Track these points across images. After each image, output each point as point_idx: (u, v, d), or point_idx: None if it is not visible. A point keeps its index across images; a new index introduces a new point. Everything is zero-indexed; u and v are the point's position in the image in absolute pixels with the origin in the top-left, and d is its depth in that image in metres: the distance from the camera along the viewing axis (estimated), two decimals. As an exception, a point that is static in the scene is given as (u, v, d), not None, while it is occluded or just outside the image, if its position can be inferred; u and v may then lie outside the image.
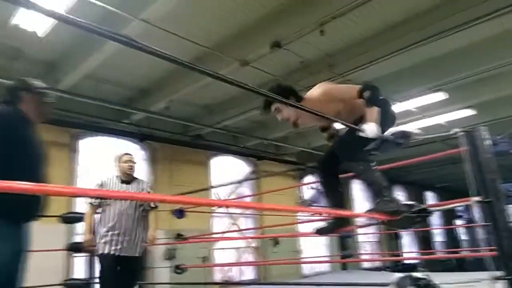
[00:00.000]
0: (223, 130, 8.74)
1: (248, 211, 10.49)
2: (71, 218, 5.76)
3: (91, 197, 3.71)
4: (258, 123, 9.45)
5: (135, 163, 3.89)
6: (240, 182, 10.10)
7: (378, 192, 2.23)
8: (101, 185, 3.73)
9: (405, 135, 2.40)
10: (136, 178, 3.90)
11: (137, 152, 8.77)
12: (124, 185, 3.75)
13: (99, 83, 6.68)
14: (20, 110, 2.24)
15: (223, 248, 9.77)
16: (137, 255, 3.65)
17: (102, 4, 4.28)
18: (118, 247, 3.55)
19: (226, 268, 9.80)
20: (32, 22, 4.55)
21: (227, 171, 10.15)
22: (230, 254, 10.01)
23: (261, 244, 10.54)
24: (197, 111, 8.42)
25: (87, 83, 6.48)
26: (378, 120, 2.31)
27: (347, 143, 2.46)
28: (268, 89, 2.47)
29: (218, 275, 9.43)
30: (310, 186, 11.73)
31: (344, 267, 12.64)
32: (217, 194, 9.58)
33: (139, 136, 8.11)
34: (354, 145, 2.39)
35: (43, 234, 6.30)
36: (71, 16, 1.07)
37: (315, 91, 2.51)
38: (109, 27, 1.35)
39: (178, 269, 6.61)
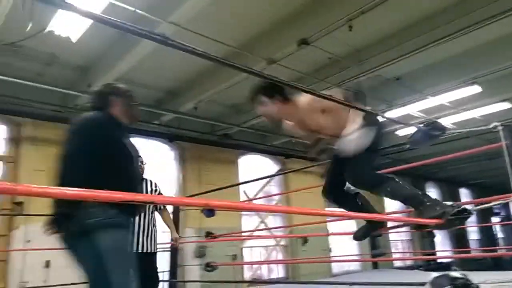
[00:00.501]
0: (251, 129, 8.76)
1: (277, 207, 10.49)
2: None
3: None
4: (285, 122, 9.41)
5: (144, 164, 3.94)
6: (268, 178, 10.09)
7: (417, 203, 2.09)
8: None
9: (440, 127, 2.27)
10: (145, 179, 4.00)
11: (166, 153, 8.96)
12: None
13: (130, 85, 6.75)
14: (113, 114, 2.28)
15: (252, 247, 9.82)
16: (153, 251, 3.81)
17: (131, 8, 4.37)
18: (137, 245, 3.68)
19: (255, 266, 9.84)
20: (65, 28, 4.70)
21: (255, 169, 10.18)
22: (259, 252, 10.05)
23: (290, 243, 10.52)
24: (224, 110, 8.49)
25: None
26: (362, 126, 2.21)
27: (360, 169, 2.26)
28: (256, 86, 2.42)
29: (247, 273, 9.49)
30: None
31: (375, 266, 12.43)
32: (245, 193, 9.63)
33: (169, 136, 8.25)
34: (367, 168, 2.25)
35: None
36: (108, 17, 1.10)
37: (304, 98, 2.34)
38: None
39: (209, 267, 6.68)
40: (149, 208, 3.84)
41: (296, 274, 10.11)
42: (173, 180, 8.85)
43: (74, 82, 6.56)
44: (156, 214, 4.08)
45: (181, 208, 6.99)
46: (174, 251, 6.56)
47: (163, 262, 8.08)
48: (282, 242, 10.40)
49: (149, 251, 3.73)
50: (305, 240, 10.48)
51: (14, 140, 6.71)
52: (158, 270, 4.02)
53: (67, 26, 4.65)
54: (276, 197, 10.77)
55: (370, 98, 7.37)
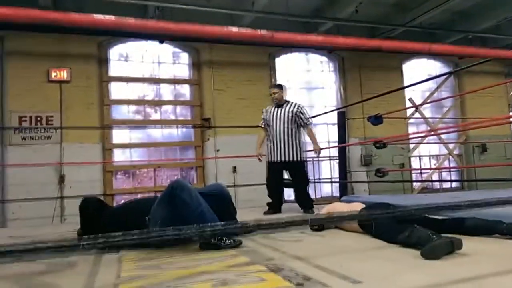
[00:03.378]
0: (417, 28, 7.86)
1: (448, 115, 9.60)
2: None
3: None
4: (461, 14, 8.09)
5: (277, 93, 4.57)
6: (437, 77, 9.16)
7: None
8: (265, 111, 4.71)
9: None
10: (288, 102, 4.61)
11: (324, 65, 8.91)
12: (277, 109, 4.58)
13: (284, -1, 6.81)
14: None
15: (420, 156, 9.39)
16: (295, 159, 4.48)
17: None
18: (280, 155, 4.47)
19: (425, 175, 9.48)
20: None
21: (422, 75, 9.30)
22: (429, 162, 9.56)
23: (465, 151, 9.65)
24: (387, 10, 7.76)
25: (278, 1, 6.72)
26: None
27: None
28: None
29: (416, 184, 9.23)
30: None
31: None
32: (411, 100, 9.01)
33: (327, 46, 8.07)
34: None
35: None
36: None
37: None
38: None
39: (379, 172, 6.75)
40: (290, 125, 4.47)
41: (471, 186, 9.36)
42: (333, 92, 8.85)
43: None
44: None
45: (347, 118, 7.07)
46: (343, 159, 6.82)
47: (336, 169, 8.51)
48: (456, 151, 9.60)
49: (290, 159, 4.46)
50: (483, 149, 9.45)
51: (196, 65, 7.64)
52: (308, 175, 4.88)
53: None
54: (448, 104, 9.77)
55: None
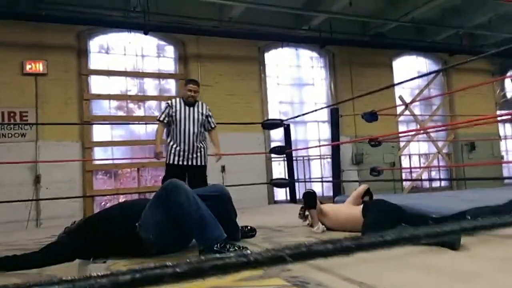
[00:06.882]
0: (409, 23, 7.72)
1: (437, 113, 9.54)
2: (271, 125, 6.22)
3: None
4: (452, 10, 8.01)
5: (197, 91, 4.15)
6: (427, 75, 9.06)
7: None
8: (170, 105, 4.13)
9: None
10: (198, 101, 4.19)
11: (315, 61, 8.68)
12: (188, 108, 4.11)
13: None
14: None
15: (410, 154, 9.29)
16: (200, 164, 4.15)
17: None
18: (185, 158, 4.06)
19: (414, 175, 9.39)
20: None
21: (411, 73, 9.20)
22: (418, 161, 9.47)
23: (454, 150, 9.61)
24: (379, 5, 7.61)
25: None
26: None
27: None
28: None
29: (406, 183, 9.12)
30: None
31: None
32: (401, 98, 8.88)
33: (319, 40, 7.84)
34: None
35: (247, 141, 7.09)
36: None
37: None
38: None
39: (374, 171, 6.57)
40: (199, 128, 4.10)
41: (460, 184, 9.32)
42: (323, 88, 8.64)
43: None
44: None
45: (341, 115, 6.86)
46: (337, 158, 6.59)
47: (327, 168, 8.29)
48: (445, 150, 9.54)
49: (193, 164, 4.10)
50: (472, 147, 9.42)
51: (182, 59, 7.28)
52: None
53: None
54: (437, 102, 9.71)
55: None
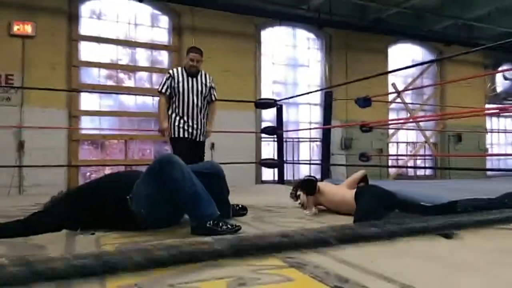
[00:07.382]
0: (409, 10, 7.64)
1: (428, 103, 9.60)
2: (264, 104, 6.14)
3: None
4: (453, 0, 7.94)
5: (200, 61, 3.88)
6: (422, 64, 9.07)
7: None
8: (171, 76, 3.85)
9: None
10: (201, 72, 3.94)
11: (311, 42, 8.56)
12: (191, 79, 3.87)
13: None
14: None
15: (398, 142, 9.37)
16: (203, 140, 4.00)
17: None
18: (190, 132, 3.86)
19: (401, 162, 9.49)
20: None
21: (406, 60, 9.17)
22: (406, 149, 9.57)
23: (441, 140, 9.73)
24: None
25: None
26: None
27: None
28: None
29: (392, 170, 9.23)
30: (505, 75, 9.95)
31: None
32: (394, 85, 8.88)
33: (317, 21, 7.70)
34: None
35: (238, 119, 7.00)
36: None
37: None
38: None
39: (363, 157, 6.62)
40: (205, 98, 3.91)
41: (444, 174, 9.48)
42: (318, 70, 8.56)
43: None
44: None
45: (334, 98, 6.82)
46: (327, 142, 6.59)
47: (315, 151, 8.31)
48: (432, 139, 9.64)
49: (201, 139, 3.97)
50: (459, 138, 9.55)
51: (176, 30, 7.07)
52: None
53: None
54: (428, 92, 9.75)
55: None
